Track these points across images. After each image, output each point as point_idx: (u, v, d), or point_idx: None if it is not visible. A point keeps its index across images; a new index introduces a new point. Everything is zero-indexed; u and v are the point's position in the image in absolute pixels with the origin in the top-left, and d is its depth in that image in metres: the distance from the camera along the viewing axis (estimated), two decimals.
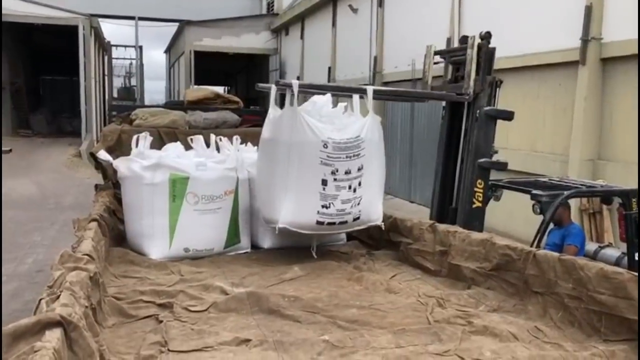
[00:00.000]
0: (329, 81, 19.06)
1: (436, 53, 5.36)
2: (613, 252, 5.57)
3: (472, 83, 4.79)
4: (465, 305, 3.10)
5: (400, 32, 14.53)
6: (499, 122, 4.95)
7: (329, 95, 4.18)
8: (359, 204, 3.94)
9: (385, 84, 15.46)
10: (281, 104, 4.04)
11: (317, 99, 4.14)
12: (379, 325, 2.76)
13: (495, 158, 4.94)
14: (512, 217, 8.60)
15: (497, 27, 10.43)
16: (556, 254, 3.01)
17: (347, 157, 3.84)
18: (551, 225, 5.19)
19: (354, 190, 3.89)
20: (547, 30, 9.35)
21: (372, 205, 4.04)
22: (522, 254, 3.13)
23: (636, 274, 2.57)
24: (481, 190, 4.80)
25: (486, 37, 4.86)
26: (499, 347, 2.48)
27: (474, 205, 4.83)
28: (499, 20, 10.56)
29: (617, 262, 5.23)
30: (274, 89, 4.02)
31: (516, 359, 2.35)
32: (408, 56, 13.63)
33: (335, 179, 3.82)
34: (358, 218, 3.98)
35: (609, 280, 2.62)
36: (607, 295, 2.62)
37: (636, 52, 7.62)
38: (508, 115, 4.93)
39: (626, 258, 5.23)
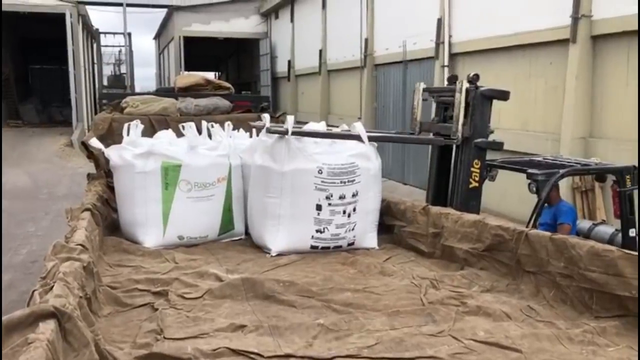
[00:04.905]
0: (320, 64, 18.98)
1: (425, 90, 5.29)
2: (607, 229, 5.60)
3: (460, 127, 4.69)
4: (458, 286, 3.13)
5: (390, 13, 14.42)
6: None
7: (323, 123, 4.20)
8: (353, 229, 3.95)
9: (377, 66, 15.40)
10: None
11: (312, 125, 4.14)
12: (374, 308, 2.78)
13: (491, 138, 4.94)
14: (504, 197, 8.64)
15: (489, 6, 10.51)
16: (548, 234, 3.04)
17: (341, 182, 3.86)
18: None
19: (349, 216, 3.91)
20: (538, 8, 9.30)
21: (367, 232, 4.05)
22: (515, 234, 3.16)
23: (627, 251, 2.59)
24: (478, 171, 4.81)
25: (474, 79, 4.74)
26: (493, 327, 2.50)
27: (470, 186, 4.84)
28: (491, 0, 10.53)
29: (610, 239, 5.26)
30: (266, 129, 3.98)
31: (509, 338, 2.38)
32: (399, 38, 13.56)
33: (329, 204, 3.84)
34: (352, 243, 4.00)
35: (600, 258, 2.65)
36: (598, 273, 2.65)
37: (627, 29, 7.61)
38: (504, 95, 4.91)
39: (620, 235, 5.27)
